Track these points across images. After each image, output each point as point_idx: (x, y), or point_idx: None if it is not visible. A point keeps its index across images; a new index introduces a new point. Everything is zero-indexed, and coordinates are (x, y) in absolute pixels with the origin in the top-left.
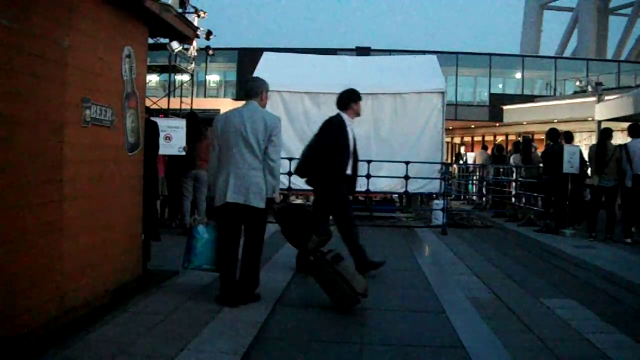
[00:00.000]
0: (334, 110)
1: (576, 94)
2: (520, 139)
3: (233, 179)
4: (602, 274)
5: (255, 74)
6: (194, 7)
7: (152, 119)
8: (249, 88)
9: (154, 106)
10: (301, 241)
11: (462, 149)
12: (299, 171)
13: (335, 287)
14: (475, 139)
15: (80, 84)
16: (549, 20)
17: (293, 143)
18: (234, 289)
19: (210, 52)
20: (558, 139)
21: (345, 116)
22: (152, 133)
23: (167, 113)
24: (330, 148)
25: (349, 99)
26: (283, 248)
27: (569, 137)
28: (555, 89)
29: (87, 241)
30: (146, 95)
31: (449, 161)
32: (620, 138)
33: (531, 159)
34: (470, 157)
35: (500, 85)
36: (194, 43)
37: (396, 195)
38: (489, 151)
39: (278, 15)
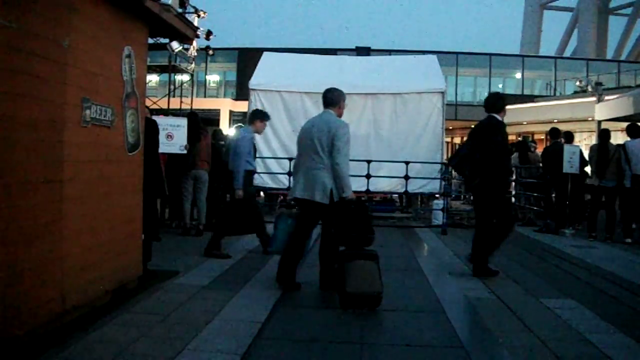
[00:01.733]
0: None
1: (576, 94)
2: (520, 138)
3: (302, 178)
4: (602, 274)
5: (255, 74)
6: (194, 7)
7: (153, 118)
8: (328, 98)
9: (154, 106)
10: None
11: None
12: (461, 169)
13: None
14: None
15: (80, 84)
16: (549, 20)
17: (293, 143)
18: (291, 274)
19: (210, 52)
20: (558, 137)
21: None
22: (151, 132)
23: (167, 113)
24: (507, 152)
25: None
26: None
27: (569, 137)
28: (555, 89)
29: (87, 241)
30: (146, 95)
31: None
32: (620, 138)
33: (528, 158)
34: None
35: (500, 85)
36: (194, 43)
37: (396, 195)
38: None
39: (278, 15)
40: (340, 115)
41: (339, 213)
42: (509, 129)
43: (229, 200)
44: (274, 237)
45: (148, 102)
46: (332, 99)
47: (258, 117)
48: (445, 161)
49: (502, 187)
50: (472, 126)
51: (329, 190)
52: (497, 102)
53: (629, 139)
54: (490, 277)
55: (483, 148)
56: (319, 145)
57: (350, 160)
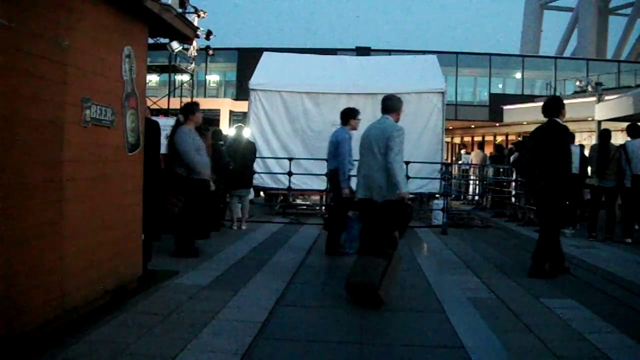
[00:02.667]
0: (334, 111)
1: (576, 94)
2: (520, 138)
3: (362, 180)
4: (602, 274)
5: (255, 74)
6: (194, 7)
7: (153, 118)
8: (387, 105)
9: (154, 106)
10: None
11: (463, 152)
12: (529, 171)
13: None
14: (475, 139)
15: (80, 84)
16: (549, 20)
17: (293, 143)
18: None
19: (210, 52)
20: None
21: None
22: (153, 133)
23: (167, 113)
24: (570, 155)
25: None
26: (280, 250)
27: (570, 137)
28: (555, 89)
29: (87, 241)
30: (146, 95)
31: (449, 161)
32: (620, 138)
33: None
34: (467, 159)
35: (500, 85)
36: (194, 43)
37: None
38: (489, 151)
39: (278, 15)
40: (397, 120)
41: (383, 211)
42: (508, 129)
43: (333, 199)
44: (351, 240)
45: (148, 102)
46: (391, 105)
47: (351, 116)
48: (445, 161)
49: (566, 190)
50: (472, 126)
51: (385, 190)
52: (556, 105)
53: (629, 138)
54: (546, 277)
55: (549, 151)
56: (377, 147)
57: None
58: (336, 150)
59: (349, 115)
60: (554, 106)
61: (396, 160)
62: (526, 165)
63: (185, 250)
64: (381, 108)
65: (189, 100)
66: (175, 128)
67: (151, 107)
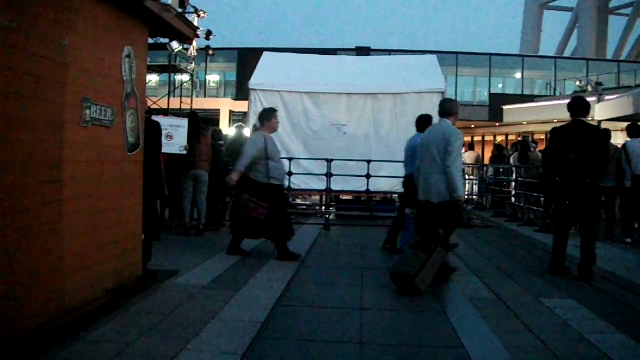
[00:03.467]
0: (334, 111)
1: (576, 94)
2: (520, 139)
3: (422, 182)
4: (602, 274)
5: (255, 74)
6: (194, 7)
7: (154, 118)
8: (445, 109)
9: (154, 106)
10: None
11: (463, 151)
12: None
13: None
14: (476, 139)
15: (80, 84)
16: (549, 20)
17: (293, 143)
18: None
19: (210, 52)
20: None
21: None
22: (154, 133)
23: (167, 113)
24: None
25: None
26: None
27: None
28: (555, 89)
29: (87, 241)
30: (146, 95)
31: None
32: (620, 138)
33: (528, 157)
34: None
35: (500, 85)
36: (194, 43)
37: (396, 195)
38: (487, 151)
39: (278, 15)
40: (454, 124)
41: (438, 211)
42: (508, 129)
43: (403, 203)
44: (408, 236)
45: (148, 102)
46: (449, 109)
47: (429, 123)
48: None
49: (601, 189)
50: (472, 126)
51: (442, 192)
52: (584, 105)
53: (628, 139)
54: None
55: (587, 151)
56: (436, 151)
57: (350, 160)
58: (413, 156)
59: (428, 122)
60: (581, 106)
61: (454, 165)
62: (568, 165)
63: (287, 254)
64: (439, 112)
65: (188, 100)
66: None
67: (151, 107)
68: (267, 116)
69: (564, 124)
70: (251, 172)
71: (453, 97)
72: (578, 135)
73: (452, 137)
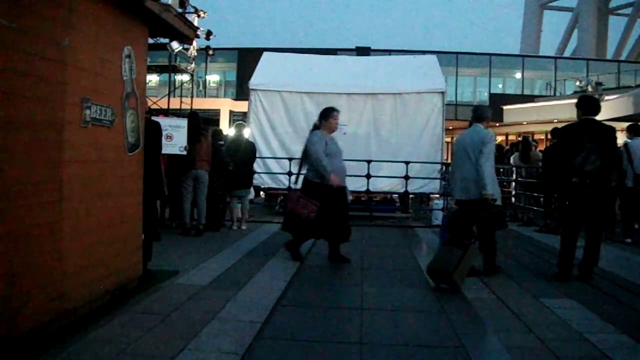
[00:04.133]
0: None
1: (576, 94)
2: (520, 138)
3: (459, 182)
4: (602, 274)
5: (255, 74)
6: (194, 7)
7: (154, 119)
8: (478, 114)
9: (154, 106)
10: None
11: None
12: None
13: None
14: None
15: (80, 84)
16: (549, 20)
17: (293, 143)
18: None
19: (210, 52)
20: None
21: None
22: (154, 133)
23: (167, 113)
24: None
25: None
26: (281, 250)
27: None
28: (555, 89)
29: (87, 241)
30: (146, 95)
31: (450, 161)
32: (620, 138)
33: (530, 157)
34: None
35: (500, 85)
36: (194, 43)
37: (396, 195)
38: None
39: (278, 15)
40: (487, 127)
41: (470, 208)
42: (508, 129)
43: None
44: (443, 233)
45: (148, 102)
46: (481, 114)
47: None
48: (446, 161)
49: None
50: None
51: (475, 191)
52: (596, 105)
53: (627, 138)
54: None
55: (602, 151)
56: (471, 152)
57: (351, 160)
58: None
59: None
60: (593, 105)
61: (486, 164)
62: (590, 165)
63: (338, 256)
64: (472, 117)
65: (188, 100)
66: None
67: (151, 107)
68: (326, 115)
69: (570, 123)
70: (307, 170)
71: (453, 98)
72: (595, 135)
73: (485, 139)
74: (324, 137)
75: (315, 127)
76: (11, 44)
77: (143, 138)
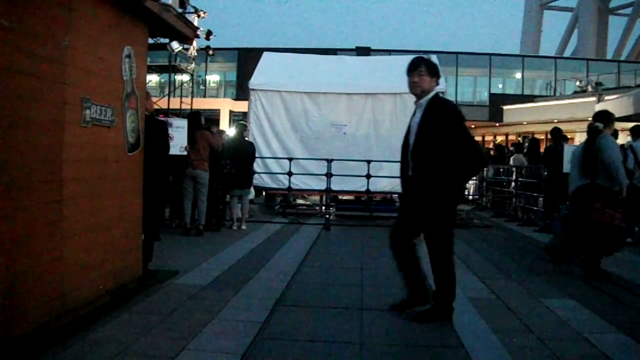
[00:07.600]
0: (334, 111)
1: (576, 94)
2: (520, 139)
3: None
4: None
5: (255, 74)
6: (194, 7)
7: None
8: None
9: (154, 106)
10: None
11: None
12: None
13: None
14: (476, 139)
15: (80, 84)
16: (549, 20)
17: (293, 143)
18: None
19: (210, 52)
20: (560, 138)
21: None
22: (160, 133)
23: (167, 113)
24: None
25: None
26: (281, 250)
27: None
28: (555, 89)
29: (87, 241)
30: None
31: None
32: (620, 138)
33: (539, 157)
34: None
35: (500, 85)
36: (194, 43)
37: (396, 195)
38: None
39: (278, 15)
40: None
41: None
42: (508, 129)
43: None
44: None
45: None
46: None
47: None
48: None
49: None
50: (472, 126)
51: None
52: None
53: (629, 139)
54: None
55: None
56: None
57: (350, 160)
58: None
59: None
60: (606, 116)
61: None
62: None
63: (596, 274)
64: (589, 131)
65: (188, 100)
66: (594, 136)
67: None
68: (611, 118)
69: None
70: (602, 178)
71: (453, 98)
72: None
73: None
74: (615, 141)
75: (598, 131)
76: (11, 44)
77: (143, 138)
